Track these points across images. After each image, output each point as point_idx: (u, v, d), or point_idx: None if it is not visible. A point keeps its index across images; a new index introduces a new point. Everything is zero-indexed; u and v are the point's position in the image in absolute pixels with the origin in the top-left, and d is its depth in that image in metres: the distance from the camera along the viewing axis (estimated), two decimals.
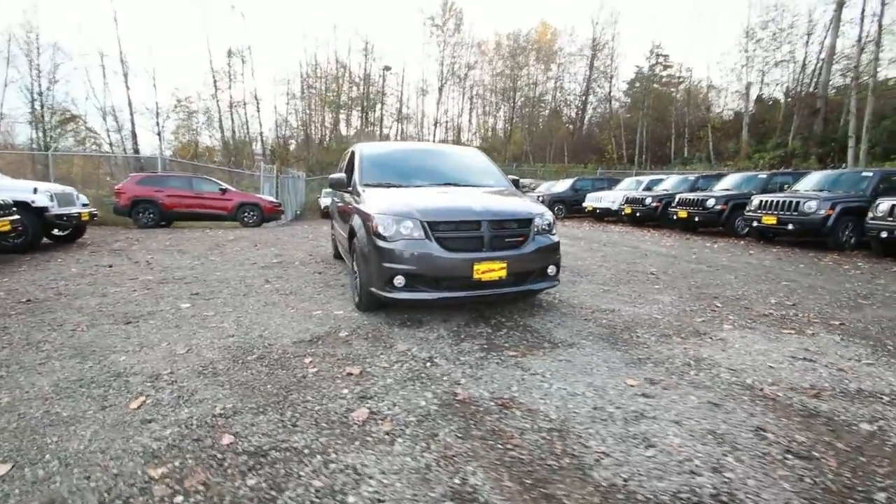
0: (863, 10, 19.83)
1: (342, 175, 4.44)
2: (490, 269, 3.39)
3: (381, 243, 3.42)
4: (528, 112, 46.88)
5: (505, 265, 3.43)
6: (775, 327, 3.56)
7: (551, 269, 3.75)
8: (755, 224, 8.72)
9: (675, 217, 11.04)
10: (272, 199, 13.29)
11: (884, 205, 6.78)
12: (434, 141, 43.34)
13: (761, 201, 8.77)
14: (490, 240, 3.44)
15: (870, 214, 7.00)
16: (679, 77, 39.86)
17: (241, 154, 34.46)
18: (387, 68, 25.34)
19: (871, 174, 8.20)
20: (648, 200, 12.27)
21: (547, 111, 48.27)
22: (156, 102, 33.12)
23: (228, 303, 4.22)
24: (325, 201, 21.04)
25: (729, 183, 11.16)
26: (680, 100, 36.99)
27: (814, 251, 7.78)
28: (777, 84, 30.56)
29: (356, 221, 3.90)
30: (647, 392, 2.41)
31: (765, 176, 10.77)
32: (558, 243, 3.80)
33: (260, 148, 35.62)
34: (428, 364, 2.79)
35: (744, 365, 2.80)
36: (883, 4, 18.77)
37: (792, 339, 3.30)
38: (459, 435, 1.99)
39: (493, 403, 2.29)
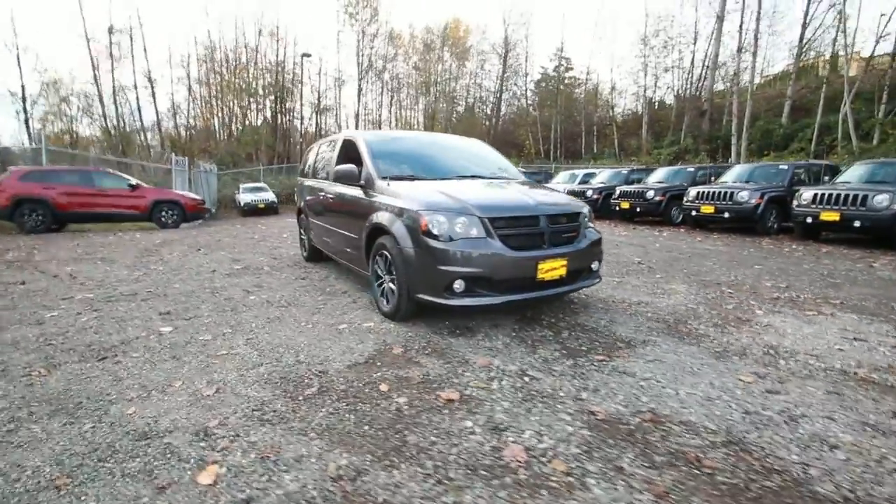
0: (741, 24, 22.89)
1: (351, 167, 3.85)
2: (553, 268, 3.14)
3: (434, 244, 2.99)
4: (444, 107, 47.33)
5: (566, 262, 3.20)
6: (797, 310, 3.79)
7: (595, 265, 3.61)
8: (694, 213, 9.53)
9: (616, 208, 11.72)
10: (193, 195, 11.63)
11: (807, 194, 7.76)
12: None
13: (698, 192, 9.60)
14: (550, 236, 3.19)
15: (795, 202, 7.97)
16: (582, 79, 42.87)
17: (129, 144, 29.98)
18: (306, 55, 23.41)
19: (785, 167, 9.40)
20: (589, 193, 12.89)
21: (462, 107, 49.21)
22: (21, 84, 27.26)
23: (220, 322, 3.46)
24: (244, 198, 19.09)
25: (661, 176, 12.12)
26: (582, 100, 39.94)
27: (748, 236, 8.70)
28: (668, 87, 34.20)
29: (384, 219, 3.39)
30: (770, 388, 2.35)
31: (692, 170, 11.87)
32: (601, 238, 3.67)
33: (156, 138, 31.35)
34: (526, 378, 2.47)
35: (816, 350, 2.89)
36: (758, 20, 21.82)
37: (822, 320, 3.51)
38: (646, 464, 1.72)
39: (639, 419, 2.05)
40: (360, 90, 38.90)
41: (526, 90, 45.19)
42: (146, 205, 10.28)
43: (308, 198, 5.60)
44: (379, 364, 2.67)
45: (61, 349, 2.89)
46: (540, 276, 3.10)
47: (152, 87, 31.03)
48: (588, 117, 37.88)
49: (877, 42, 20.76)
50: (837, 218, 7.16)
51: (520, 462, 1.73)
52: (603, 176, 13.98)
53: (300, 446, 1.83)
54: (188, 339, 3.07)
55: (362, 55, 39.32)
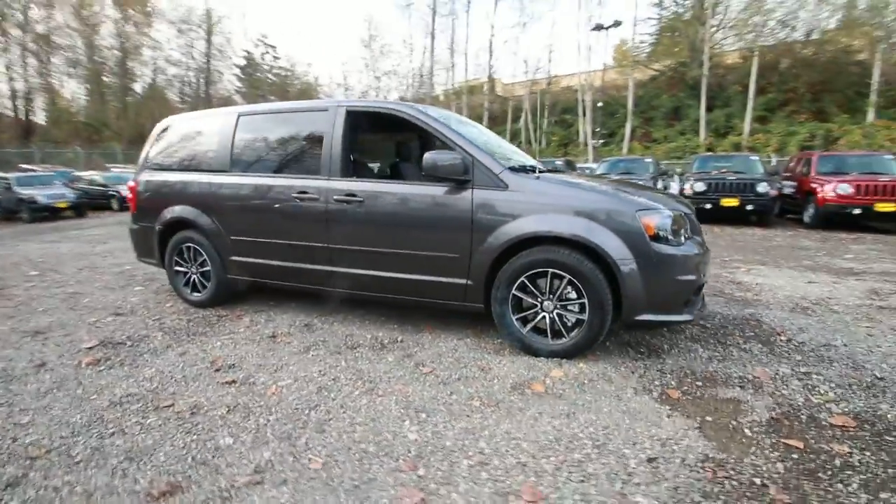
0: (452, 41, 27.36)
1: (455, 155, 2.56)
2: None
3: (670, 250, 2.41)
4: (117, 82, 36.74)
5: None
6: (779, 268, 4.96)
7: None
8: None
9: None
10: None
11: (699, 185, 8.70)
12: None
13: None
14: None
15: (688, 191, 8.78)
16: (300, 71, 41.94)
17: None
18: None
19: (649, 160, 10.89)
20: None
21: (143, 84, 39.53)
22: None
23: (340, 467, 1.74)
24: None
25: None
26: (294, 93, 39.35)
27: None
28: (390, 90, 37.26)
29: (559, 225, 2.45)
30: None
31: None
32: None
33: None
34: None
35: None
36: (466, 41, 26.49)
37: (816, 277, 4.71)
38: None
39: None
40: None
41: (248, 71, 40.42)
42: None
43: (223, 203, 3.37)
44: (684, 450, 1.95)
45: None
46: None
47: None
48: None
49: (536, 70, 28.85)
50: (737, 203, 8.34)
51: None
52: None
53: None
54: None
55: None
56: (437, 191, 2.74)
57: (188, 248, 3.63)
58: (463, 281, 2.72)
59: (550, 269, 2.50)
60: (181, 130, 3.78)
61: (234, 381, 2.39)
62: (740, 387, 2.27)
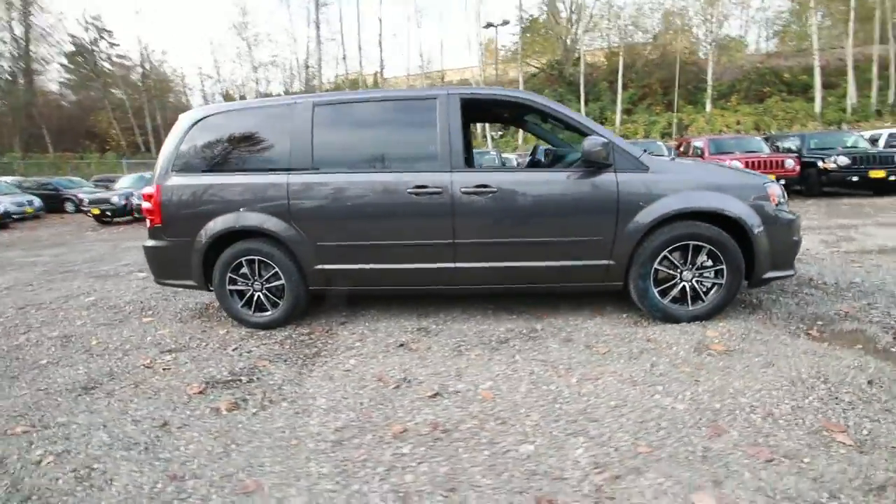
0: (341, 34, 26.31)
1: (604, 141, 2.63)
2: None
3: (788, 216, 2.88)
4: None
5: None
6: None
7: None
8: None
9: None
10: None
11: None
12: None
13: None
14: None
15: None
16: (150, 60, 36.42)
17: None
18: None
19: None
20: None
21: None
22: None
23: None
24: None
25: None
26: (151, 85, 34.53)
27: None
28: (270, 81, 34.45)
29: (707, 201, 2.74)
30: None
31: None
32: None
33: None
34: None
35: None
36: (359, 32, 25.67)
37: None
38: None
39: None
40: None
41: (95, 63, 33.90)
42: None
43: (308, 205, 2.94)
44: None
45: None
46: None
47: None
48: (182, 103, 32.78)
49: (428, 62, 29.26)
50: None
51: None
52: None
53: None
54: None
55: None
56: (578, 177, 2.81)
57: (250, 261, 3.11)
58: (605, 262, 2.84)
59: (692, 242, 2.77)
60: (223, 125, 3.16)
61: (437, 395, 2.20)
62: (847, 321, 2.80)
